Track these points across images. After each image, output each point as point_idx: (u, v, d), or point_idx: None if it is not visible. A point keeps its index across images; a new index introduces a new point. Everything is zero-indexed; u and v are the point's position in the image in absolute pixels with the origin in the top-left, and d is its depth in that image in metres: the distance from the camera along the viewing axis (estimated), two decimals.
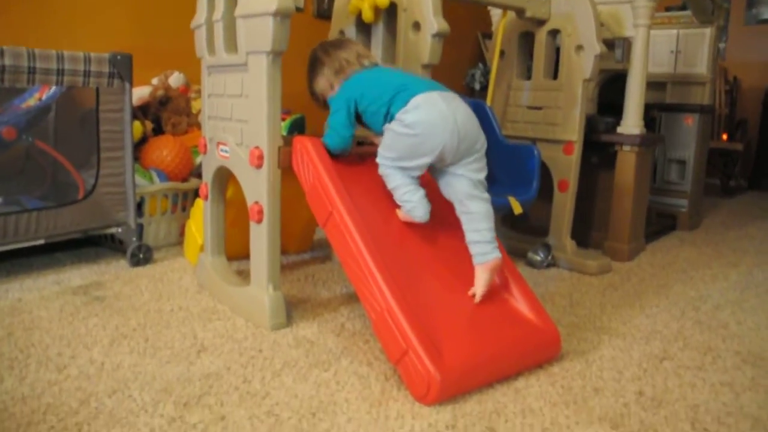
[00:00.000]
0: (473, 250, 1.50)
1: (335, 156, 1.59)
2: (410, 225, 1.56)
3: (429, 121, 1.45)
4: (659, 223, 3.08)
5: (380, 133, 1.57)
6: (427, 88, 1.52)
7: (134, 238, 2.13)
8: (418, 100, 1.48)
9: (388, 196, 1.56)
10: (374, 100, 1.55)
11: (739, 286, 2.20)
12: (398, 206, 1.55)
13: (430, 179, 1.61)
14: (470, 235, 1.51)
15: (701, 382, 1.44)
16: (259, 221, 1.60)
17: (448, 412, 1.24)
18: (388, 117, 1.53)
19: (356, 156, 1.67)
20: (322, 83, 1.72)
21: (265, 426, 1.16)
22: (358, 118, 1.63)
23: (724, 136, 4.61)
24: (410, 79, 1.59)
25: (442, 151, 1.46)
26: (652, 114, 3.19)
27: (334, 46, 1.72)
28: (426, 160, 1.48)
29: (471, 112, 1.53)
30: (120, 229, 2.12)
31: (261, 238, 1.61)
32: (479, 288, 1.47)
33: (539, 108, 2.44)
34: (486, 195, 1.54)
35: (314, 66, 1.73)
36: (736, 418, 1.27)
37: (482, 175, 1.54)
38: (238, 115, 1.65)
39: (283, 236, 1.66)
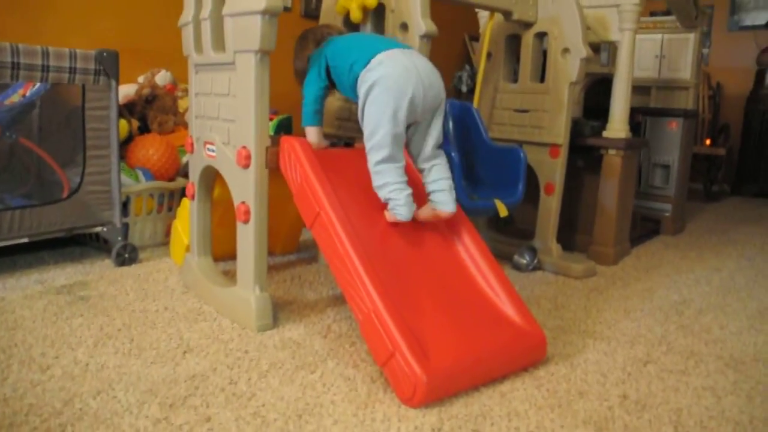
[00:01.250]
0: (434, 197, 1.59)
1: (312, 119, 1.70)
2: (397, 227, 1.56)
3: (392, 75, 1.50)
4: (644, 227, 3.11)
5: (347, 97, 1.73)
6: (389, 47, 1.58)
7: (119, 238, 2.11)
8: (379, 57, 1.53)
9: (376, 197, 1.56)
10: (340, 56, 1.64)
11: (721, 291, 2.23)
12: (385, 207, 1.56)
13: (417, 181, 1.62)
14: (433, 185, 1.60)
15: (684, 386, 1.45)
16: (246, 221, 1.59)
17: (434, 415, 1.24)
18: (351, 75, 1.59)
19: (344, 157, 1.67)
20: (305, 57, 1.77)
21: (251, 427, 1.16)
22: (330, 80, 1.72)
23: (708, 141, 4.66)
24: (377, 39, 1.68)
25: (412, 101, 1.50)
26: (636, 118, 3.21)
27: (321, 25, 1.85)
28: (402, 115, 1.50)
29: (432, 66, 1.59)
30: (105, 229, 2.10)
31: (248, 239, 1.60)
32: (421, 212, 1.60)
33: (526, 111, 2.45)
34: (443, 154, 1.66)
35: (300, 42, 1.81)
36: (718, 422, 1.29)
37: (441, 137, 1.64)
38: (226, 115, 1.65)
39: (270, 237, 1.66)
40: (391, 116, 1.48)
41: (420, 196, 1.61)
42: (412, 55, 1.57)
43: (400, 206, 1.52)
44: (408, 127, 1.56)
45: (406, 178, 1.55)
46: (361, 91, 1.53)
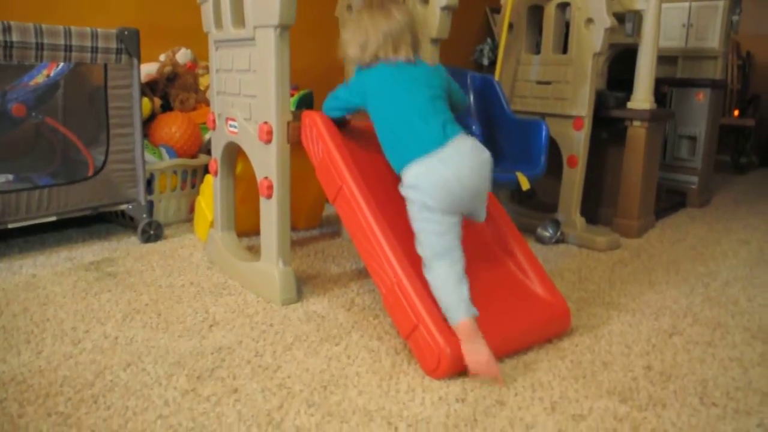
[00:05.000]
0: None
1: (332, 114, 1.59)
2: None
3: (432, 196, 1.34)
4: (669, 200, 3.07)
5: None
6: (429, 146, 1.36)
7: (144, 215, 2.14)
8: (416, 171, 1.36)
9: None
10: (378, 112, 1.48)
11: (749, 263, 2.20)
12: None
13: None
14: None
15: (710, 357, 1.44)
16: (269, 197, 1.60)
17: (458, 386, 1.25)
18: (384, 149, 1.47)
19: (365, 131, 1.67)
20: (346, 40, 1.57)
21: (277, 398, 1.18)
22: None
23: (736, 112, 4.56)
24: (421, 118, 1.40)
25: (455, 212, 1.36)
26: (662, 89, 3.15)
27: (383, 13, 1.51)
28: (448, 228, 1.35)
29: (481, 159, 1.38)
30: (130, 206, 2.13)
31: (271, 214, 1.62)
32: None
33: (548, 83, 2.42)
34: None
35: (356, 18, 1.60)
36: (745, 393, 1.28)
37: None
38: (247, 90, 1.65)
39: (292, 212, 1.66)
40: (439, 233, 1.34)
41: None
42: (456, 156, 1.35)
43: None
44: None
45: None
46: (402, 191, 1.40)
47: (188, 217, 2.41)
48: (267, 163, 1.60)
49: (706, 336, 1.56)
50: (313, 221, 2.39)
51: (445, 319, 1.29)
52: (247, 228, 2.01)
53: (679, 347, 1.48)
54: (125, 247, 2.07)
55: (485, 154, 1.39)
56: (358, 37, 1.51)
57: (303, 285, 1.77)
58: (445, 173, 1.33)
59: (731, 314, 1.71)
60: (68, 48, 1.91)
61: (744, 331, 1.60)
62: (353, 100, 1.54)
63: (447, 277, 1.32)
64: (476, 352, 1.25)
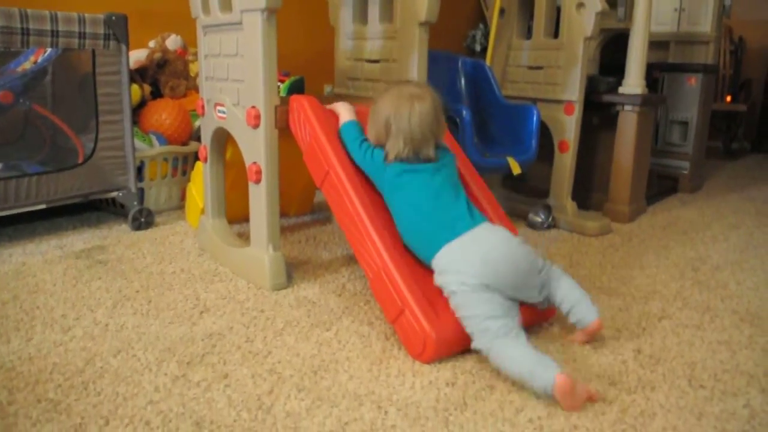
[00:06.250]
0: (574, 314, 1.37)
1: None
2: None
3: (468, 284, 1.27)
4: (660, 185, 3.07)
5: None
6: (457, 230, 1.33)
7: (135, 202, 2.13)
8: (449, 257, 1.31)
9: None
10: (400, 211, 1.42)
11: (739, 247, 2.21)
12: None
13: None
14: (566, 302, 1.38)
15: (699, 340, 1.45)
16: (258, 182, 1.59)
17: (448, 370, 1.25)
18: (408, 242, 1.41)
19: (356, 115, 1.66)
20: (374, 134, 1.48)
21: (268, 383, 1.18)
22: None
23: (728, 98, 4.56)
24: (446, 207, 1.37)
25: (495, 283, 1.28)
26: (654, 74, 3.15)
27: (406, 108, 1.41)
28: (497, 310, 1.26)
29: (513, 239, 1.35)
30: (121, 193, 2.12)
31: (260, 199, 1.61)
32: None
33: (540, 68, 2.41)
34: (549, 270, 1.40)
35: (379, 101, 1.47)
36: (732, 375, 1.29)
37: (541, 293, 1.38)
38: (235, 75, 1.64)
39: (283, 199, 1.66)
40: (493, 317, 1.24)
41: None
42: (488, 233, 1.34)
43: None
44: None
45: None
46: (437, 283, 1.34)
47: (179, 204, 2.40)
48: (255, 147, 1.59)
49: (695, 319, 1.57)
50: (304, 208, 2.39)
51: (431, 304, 1.29)
52: (237, 214, 2.01)
53: (669, 331, 1.49)
54: (116, 235, 2.06)
55: (517, 238, 1.36)
56: (378, 134, 1.46)
57: (294, 271, 1.77)
58: (479, 248, 1.29)
59: (720, 298, 1.72)
60: (55, 33, 1.88)
61: (733, 314, 1.61)
62: (376, 172, 1.46)
63: (523, 354, 1.19)
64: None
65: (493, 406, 1.14)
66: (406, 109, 1.40)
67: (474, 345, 1.24)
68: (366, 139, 1.50)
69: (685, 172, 3.18)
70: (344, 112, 1.57)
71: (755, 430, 1.10)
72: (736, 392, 1.22)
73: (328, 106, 1.59)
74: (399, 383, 1.20)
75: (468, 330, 1.26)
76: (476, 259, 1.28)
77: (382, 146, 1.45)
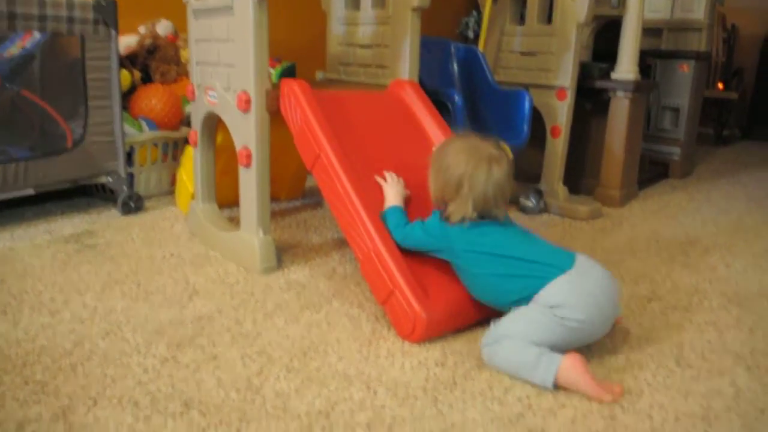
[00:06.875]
0: None
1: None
2: (399, 167, 1.55)
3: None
4: (652, 171, 3.09)
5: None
6: (565, 260, 1.25)
7: (125, 187, 2.12)
8: (561, 286, 1.21)
9: (376, 138, 1.55)
10: (477, 268, 1.30)
11: (728, 231, 2.22)
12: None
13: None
14: None
15: (687, 322, 1.46)
16: (248, 165, 1.59)
17: (437, 350, 1.26)
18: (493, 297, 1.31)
19: (346, 99, 1.66)
20: (440, 188, 1.36)
21: (257, 365, 1.18)
22: None
23: (720, 85, 4.57)
24: (532, 250, 1.29)
25: (593, 324, 1.21)
26: (647, 61, 3.15)
27: (487, 177, 1.29)
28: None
29: (610, 277, 1.26)
30: (110, 179, 2.11)
31: (250, 183, 1.61)
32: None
33: (532, 53, 2.41)
34: None
35: (451, 154, 1.34)
36: (720, 355, 1.30)
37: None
38: (225, 60, 1.63)
39: (274, 183, 1.66)
40: (553, 340, 1.19)
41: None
42: (591, 269, 1.25)
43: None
44: None
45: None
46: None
47: (170, 189, 2.39)
48: (246, 132, 1.58)
49: (683, 301, 1.58)
50: (295, 192, 2.39)
51: (421, 285, 1.30)
52: (228, 199, 2.00)
53: (657, 312, 1.50)
54: (105, 220, 2.05)
55: (610, 274, 1.26)
56: (446, 192, 1.33)
57: (284, 254, 1.77)
58: (588, 286, 1.20)
59: (709, 280, 1.73)
60: (43, 18, 1.87)
61: (720, 296, 1.62)
62: (434, 243, 1.35)
63: (521, 347, 1.17)
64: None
65: (482, 385, 1.14)
66: (483, 172, 1.28)
67: (499, 329, 1.21)
68: (408, 223, 1.40)
69: (676, 157, 3.19)
70: (391, 196, 1.46)
71: (740, 408, 1.11)
72: (722, 371, 1.23)
73: (387, 196, 1.48)
74: (388, 364, 1.20)
75: (516, 319, 1.21)
76: (586, 297, 1.19)
77: (442, 203, 1.35)
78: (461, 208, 1.30)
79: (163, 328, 1.31)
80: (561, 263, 1.23)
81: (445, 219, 1.33)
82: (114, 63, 2.05)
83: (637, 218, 2.35)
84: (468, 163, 1.29)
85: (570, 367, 1.12)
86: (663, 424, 1.05)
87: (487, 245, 1.28)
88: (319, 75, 2.24)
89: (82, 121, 2.02)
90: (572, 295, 1.19)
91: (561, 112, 2.32)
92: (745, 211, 2.53)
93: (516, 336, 1.17)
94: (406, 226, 1.39)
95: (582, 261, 1.25)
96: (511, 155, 1.35)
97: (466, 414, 1.05)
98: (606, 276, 1.24)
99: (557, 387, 1.13)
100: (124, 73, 2.35)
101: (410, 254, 1.37)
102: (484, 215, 1.32)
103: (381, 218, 1.40)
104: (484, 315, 1.38)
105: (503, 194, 1.32)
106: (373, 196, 1.42)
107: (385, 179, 1.50)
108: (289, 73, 2.54)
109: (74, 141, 2.02)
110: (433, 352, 1.25)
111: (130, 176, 2.19)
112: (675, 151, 3.19)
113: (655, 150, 3.23)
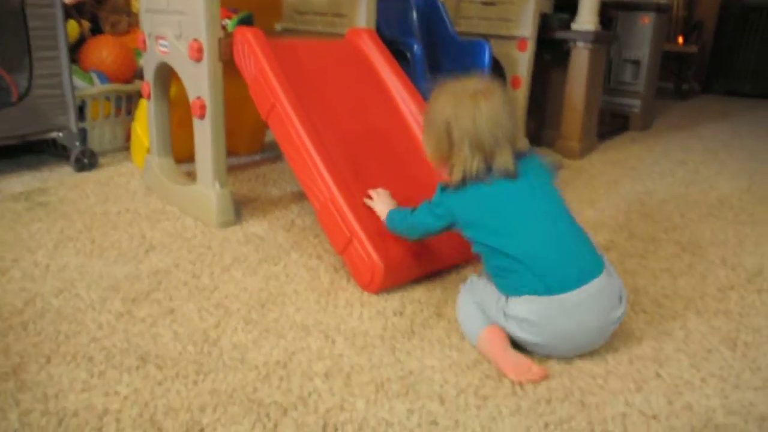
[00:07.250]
0: None
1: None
2: (355, 116, 1.53)
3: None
4: (612, 123, 3.11)
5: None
6: (562, 283, 1.05)
7: (77, 143, 2.04)
8: (531, 307, 1.06)
9: (332, 87, 1.52)
10: (482, 244, 1.13)
11: (684, 182, 2.26)
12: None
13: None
14: None
15: (642, 268, 1.49)
16: (202, 117, 1.54)
17: (396, 300, 1.26)
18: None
19: (300, 48, 1.61)
20: (433, 146, 1.17)
21: (214, 317, 1.17)
22: None
23: (680, 39, 4.60)
24: (544, 249, 1.09)
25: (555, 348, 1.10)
26: (609, 14, 3.14)
27: (475, 112, 1.10)
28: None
29: (610, 318, 1.08)
30: (61, 134, 2.03)
31: (205, 134, 1.56)
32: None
33: (493, 3, 2.37)
34: None
35: (432, 103, 1.18)
36: (672, 300, 1.33)
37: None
38: (176, 6, 1.56)
39: (232, 137, 1.62)
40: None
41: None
42: (584, 309, 1.05)
43: None
44: None
45: None
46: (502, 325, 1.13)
47: (125, 145, 2.32)
48: (199, 82, 1.53)
49: (639, 249, 1.61)
50: (254, 146, 2.34)
51: (379, 234, 1.29)
52: (186, 153, 1.95)
53: (614, 260, 1.52)
54: (58, 177, 1.99)
55: (618, 312, 1.09)
56: (439, 145, 1.15)
57: (243, 208, 1.74)
58: (566, 325, 1.05)
59: (664, 229, 1.76)
60: None
61: (675, 244, 1.65)
62: (438, 224, 1.20)
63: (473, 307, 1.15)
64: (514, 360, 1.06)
65: (440, 333, 1.15)
66: (468, 108, 1.10)
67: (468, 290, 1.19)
68: (412, 211, 1.25)
69: (636, 110, 3.22)
70: (383, 207, 1.33)
71: (689, 348, 1.14)
72: (674, 315, 1.26)
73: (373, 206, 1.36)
74: (347, 313, 1.20)
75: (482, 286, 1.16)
76: (555, 334, 1.06)
77: (443, 162, 1.16)
78: (460, 161, 1.11)
79: (119, 284, 1.29)
80: (557, 283, 1.05)
81: (449, 186, 1.15)
82: (58, 11, 1.95)
83: (597, 170, 2.38)
84: (450, 104, 1.12)
85: (484, 338, 1.09)
86: (617, 366, 1.08)
87: (485, 222, 1.11)
88: (277, 26, 2.17)
89: (27, 74, 1.93)
90: (537, 323, 1.06)
91: (522, 63, 2.31)
92: (702, 162, 2.57)
93: (478, 300, 1.15)
94: (411, 215, 1.24)
95: (585, 292, 1.05)
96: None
97: (424, 361, 1.06)
98: (603, 314, 1.07)
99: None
100: (72, 23, 2.25)
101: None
102: (491, 164, 1.11)
103: (389, 229, 1.30)
104: (443, 264, 1.39)
105: (503, 129, 1.10)
106: (330, 144, 1.40)
107: (369, 196, 1.37)
108: (245, 22, 2.45)
109: (20, 94, 1.93)
110: (391, 302, 1.25)
111: (83, 131, 2.11)
112: (635, 104, 3.21)
113: (615, 103, 3.25)
